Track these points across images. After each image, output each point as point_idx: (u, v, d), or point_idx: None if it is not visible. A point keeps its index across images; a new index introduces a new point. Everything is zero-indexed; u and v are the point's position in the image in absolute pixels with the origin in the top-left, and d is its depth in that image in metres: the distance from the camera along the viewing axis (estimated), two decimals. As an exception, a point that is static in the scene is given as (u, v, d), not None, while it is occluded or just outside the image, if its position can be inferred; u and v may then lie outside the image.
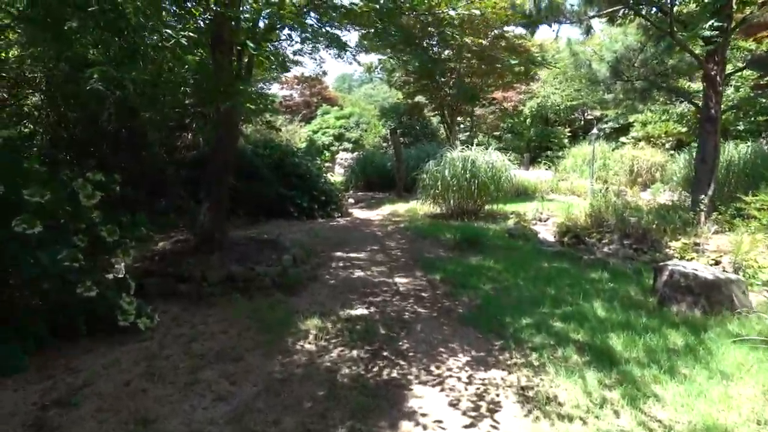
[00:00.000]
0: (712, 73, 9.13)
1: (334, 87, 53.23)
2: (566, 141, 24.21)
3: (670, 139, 20.64)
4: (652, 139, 20.33)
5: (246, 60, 6.69)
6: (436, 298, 5.60)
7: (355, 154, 22.25)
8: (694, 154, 13.40)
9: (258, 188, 10.50)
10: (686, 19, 9.64)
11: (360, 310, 5.13)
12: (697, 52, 9.38)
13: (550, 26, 10.89)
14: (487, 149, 11.33)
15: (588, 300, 5.41)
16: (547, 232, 10.56)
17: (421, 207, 12.03)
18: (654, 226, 8.54)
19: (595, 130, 15.82)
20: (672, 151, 19.09)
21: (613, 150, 20.55)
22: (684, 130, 20.40)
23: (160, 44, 5.36)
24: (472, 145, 11.74)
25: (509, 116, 23.93)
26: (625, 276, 6.54)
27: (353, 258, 7.50)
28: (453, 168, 10.61)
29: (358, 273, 6.61)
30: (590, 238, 9.17)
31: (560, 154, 23.57)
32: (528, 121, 24.23)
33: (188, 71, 6.45)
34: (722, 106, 9.74)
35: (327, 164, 12.88)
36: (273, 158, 11.81)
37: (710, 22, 8.36)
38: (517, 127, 24.46)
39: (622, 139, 21.88)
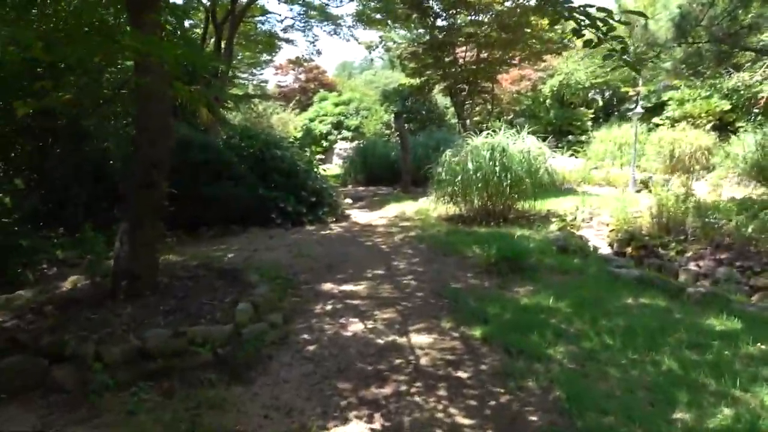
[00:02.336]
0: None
1: (334, 76, 50.70)
2: (589, 124, 21.75)
3: (711, 118, 18.20)
4: (691, 119, 17.87)
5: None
6: (485, 386, 3.32)
7: (355, 143, 19.86)
8: (759, 135, 11.08)
9: (230, 190, 8.22)
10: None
11: (356, 428, 2.87)
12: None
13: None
14: (518, 134, 8.97)
15: (753, 385, 3.15)
16: (599, 239, 8.26)
17: (434, 207, 9.71)
18: (762, 235, 6.21)
19: (639, 108, 13.39)
20: (713, 133, 16.68)
21: (647, 133, 18.14)
22: (728, 108, 17.94)
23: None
24: (482, 130, 9.42)
25: (527, 97, 21.41)
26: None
27: (348, 294, 5.22)
28: (477, 159, 8.29)
29: (354, 326, 4.33)
30: (664, 249, 6.85)
31: (583, 138, 21.15)
32: (548, 102, 21.74)
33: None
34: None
35: (319, 156, 10.47)
36: (252, 152, 9.52)
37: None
38: (535, 108, 21.98)
39: (655, 119, 19.42)
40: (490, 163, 8.10)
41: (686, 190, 7.97)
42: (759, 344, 3.80)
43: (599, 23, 2.21)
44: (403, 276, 5.87)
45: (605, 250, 7.80)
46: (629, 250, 7.29)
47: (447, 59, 15.18)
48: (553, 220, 8.54)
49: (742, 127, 16.66)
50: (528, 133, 9.16)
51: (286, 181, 9.21)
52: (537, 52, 15.08)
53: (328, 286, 5.44)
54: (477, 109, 21.30)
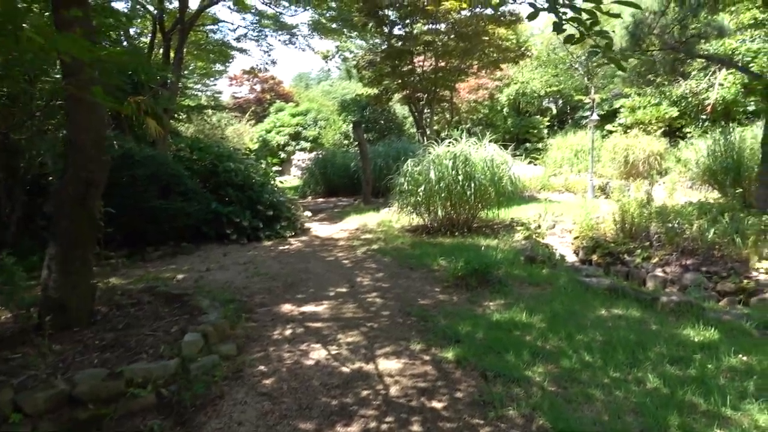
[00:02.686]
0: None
1: (291, 86, 50.14)
2: (545, 131, 22.09)
3: (661, 125, 18.79)
4: (642, 126, 18.39)
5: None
6: (462, 417, 3.01)
7: (314, 154, 19.43)
8: (710, 140, 11.37)
9: (179, 206, 7.69)
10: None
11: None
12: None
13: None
14: (479, 142, 8.81)
15: (743, 402, 2.97)
16: (563, 247, 8.18)
17: (396, 218, 9.44)
18: (725, 239, 6.22)
19: (594, 116, 13.59)
20: (663, 139, 17.20)
21: (601, 139, 18.53)
22: (676, 114, 18.57)
23: None
24: (443, 139, 9.25)
25: (484, 106, 21.53)
26: (751, 336, 4.15)
27: (309, 316, 4.83)
28: (440, 168, 8.07)
29: (316, 353, 3.95)
30: (630, 256, 6.80)
31: (539, 146, 21.45)
32: (505, 110, 21.94)
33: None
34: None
35: (276, 168, 10.03)
36: (204, 164, 9.01)
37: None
38: (493, 117, 22.15)
39: (608, 126, 19.92)
40: (453, 172, 7.90)
41: (647, 195, 8.00)
42: (740, 356, 3.66)
43: (585, 15, 1.97)
44: (367, 293, 5.53)
45: (571, 257, 7.72)
46: (595, 257, 7.21)
47: (405, 68, 14.99)
48: (519, 228, 8.41)
49: (689, 132, 17.26)
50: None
51: (241, 194, 8.75)
52: (494, 60, 15.10)
53: (287, 308, 5.04)
54: (436, 118, 21.28)
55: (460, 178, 7.83)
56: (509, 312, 4.68)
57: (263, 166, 10.20)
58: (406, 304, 5.06)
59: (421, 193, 8.34)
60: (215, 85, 27.84)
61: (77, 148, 3.84)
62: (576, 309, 4.74)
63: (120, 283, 6.04)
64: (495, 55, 14.55)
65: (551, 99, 28.16)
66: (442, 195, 7.98)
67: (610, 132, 19.53)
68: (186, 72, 23.32)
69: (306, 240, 8.84)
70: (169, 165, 7.87)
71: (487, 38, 13.43)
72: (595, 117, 13.54)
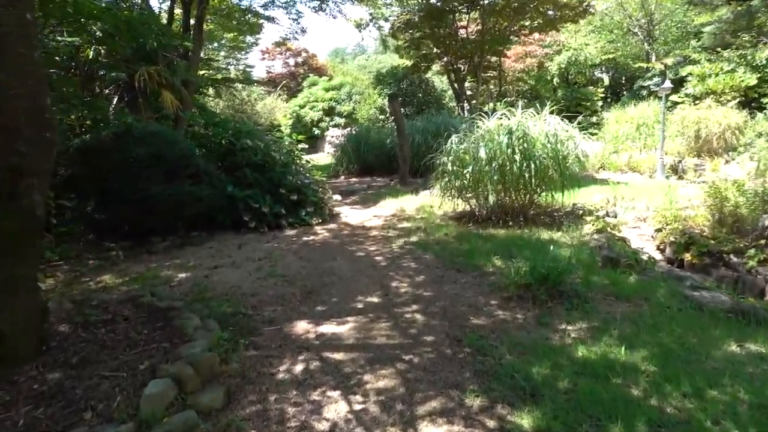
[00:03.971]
0: None
1: (326, 61, 48.95)
2: (599, 104, 20.11)
3: (735, 95, 16.60)
4: (714, 96, 16.27)
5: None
6: None
7: (347, 130, 18.20)
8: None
9: (188, 190, 6.67)
10: None
11: None
12: None
13: None
14: (538, 114, 7.40)
15: None
16: (642, 240, 6.76)
17: (438, 203, 8.17)
18: None
19: (667, 83, 11.79)
20: (741, 110, 15.11)
21: (667, 112, 16.55)
22: (753, 83, 16.33)
23: None
24: (486, 113, 7.84)
25: (532, 76, 19.66)
26: None
27: (328, 340, 3.70)
28: (491, 146, 6.74)
29: (333, 408, 2.82)
30: (738, 257, 5.35)
31: (593, 119, 19.53)
32: (555, 80, 20.03)
33: None
34: None
35: (302, 146, 8.90)
36: (220, 141, 7.97)
37: None
38: (540, 88, 20.28)
39: (673, 97, 17.80)
40: (509, 150, 6.54)
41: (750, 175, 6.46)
42: None
43: None
44: (405, 306, 4.35)
45: (652, 253, 6.30)
46: (688, 256, 5.79)
47: (445, 31, 13.33)
48: (587, 218, 7.02)
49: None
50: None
51: (261, 176, 7.67)
52: (550, 20, 13.16)
53: (301, 327, 3.93)
54: (481, 89, 19.55)
55: (517, 157, 6.48)
56: (599, 344, 3.42)
57: (287, 142, 9.04)
58: (455, 325, 3.87)
59: (467, 175, 7.05)
60: (246, 58, 26.91)
61: (2, 122, 2.76)
62: (693, 343, 3.43)
63: (112, 283, 5.12)
64: (551, 13, 12.65)
65: (603, 68, 25.87)
66: (494, 178, 6.65)
67: (676, 103, 17.43)
68: (214, 44, 22.40)
69: (334, 228, 7.72)
70: (177, 143, 6.82)
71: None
72: (667, 84, 11.74)
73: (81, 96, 7.23)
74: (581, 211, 7.65)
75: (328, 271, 5.38)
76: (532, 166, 6.40)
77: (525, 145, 6.59)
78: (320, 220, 8.00)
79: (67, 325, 3.57)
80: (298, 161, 8.68)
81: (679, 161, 11.74)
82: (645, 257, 5.34)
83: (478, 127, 7.43)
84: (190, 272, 5.48)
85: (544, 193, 7.33)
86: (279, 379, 3.15)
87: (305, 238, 7.05)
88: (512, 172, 6.57)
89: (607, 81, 25.66)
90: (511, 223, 7.00)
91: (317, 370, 3.24)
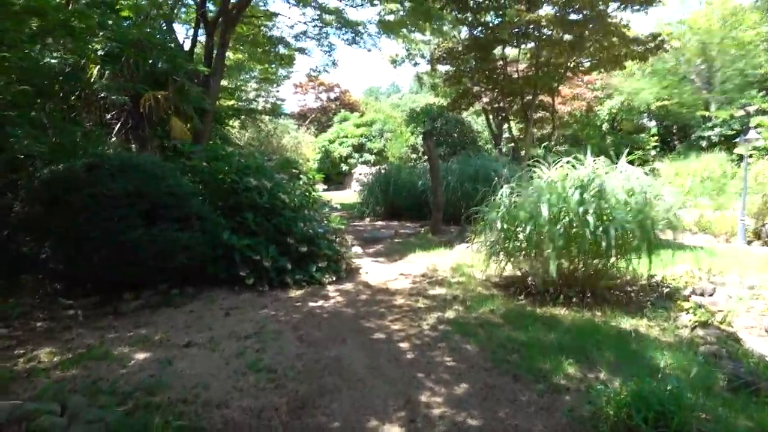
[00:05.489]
0: None
1: (360, 100, 48.78)
2: (652, 153, 18.42)
3: (813, 148, 14.78)
4: (788, 149, 14.49)
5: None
6: None
7: (376, 168, 16.97)
8: None
9: (171, 236, 5.36)
10: None
11: None
12: None
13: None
14: (613, 164, 5.93)
15: None
16: (751, 334, 5.08)
17: (477, 260, 6.62)
18: None
19: (753, 133, 10.14)
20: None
21: (732, 165, 14.82)
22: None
23: None
24: (532, 157, 6.40)
25: (579, 120, 18.18)
26: None
27: None
28: (555, 200, 5.26)
29: None
30: None
31: (645, 170, 17.82)
32: (604, 126, 18.48)
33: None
34: None
35: (319, 186, 7.54)
36: (222, 178, 6.72)
37: None
38: (585, 133, 18.73)
39: (738, 150, 16.05)
40: (580, 209, 5.04)
41: None
42: None
43: None
44: (440, 448, 2.83)
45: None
46: (839, 371, 4.10)
47: (492, 64, 12.03)
48: (679, 302, 5.38)
49: None
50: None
51: (266, 222, 6.34)
52: (615, 56, 11.53)
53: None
54: (517, 132, 18.16)
55: (591, 219, 4.96)
56: None
57: (301, 181, 7.73)
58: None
59: (521, 236, 5.55)
60: (278, 91, 26.35)
61: None
62: None
63: (47, 363, 3.80)
64: (618, 47, 11.08)
65: (651, 115, 24.19)
66: (559, 243, 5.12)
67: (741, 157, 15.67)
68: (245, 75, 21.76)
69: (350, 290, 6.27)
70: (164, 179, 5.56)
71: (611, 24, 10.15)
72: (753, 134, 10.08)
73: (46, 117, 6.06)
74: (660, 286, 6.02)
75: (332, 366, 3.90)
76: (612, 232, 4.86)
77: (602, 204, 5.09)
78: (334, 278, 6.58)
79: None
80: (314, 204, 7.34)
81: (763, 225, 9.96)
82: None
83: (535, 176, 5.97)
84: (152, 352, 4.09)
85: (619, 263, 5.75)
86: None
87: (312, 304, 5.61)
88: (583, 236, 5.04)
89: (654, 129, 23.99)
90: (574, 299, 5.43)
91: None
